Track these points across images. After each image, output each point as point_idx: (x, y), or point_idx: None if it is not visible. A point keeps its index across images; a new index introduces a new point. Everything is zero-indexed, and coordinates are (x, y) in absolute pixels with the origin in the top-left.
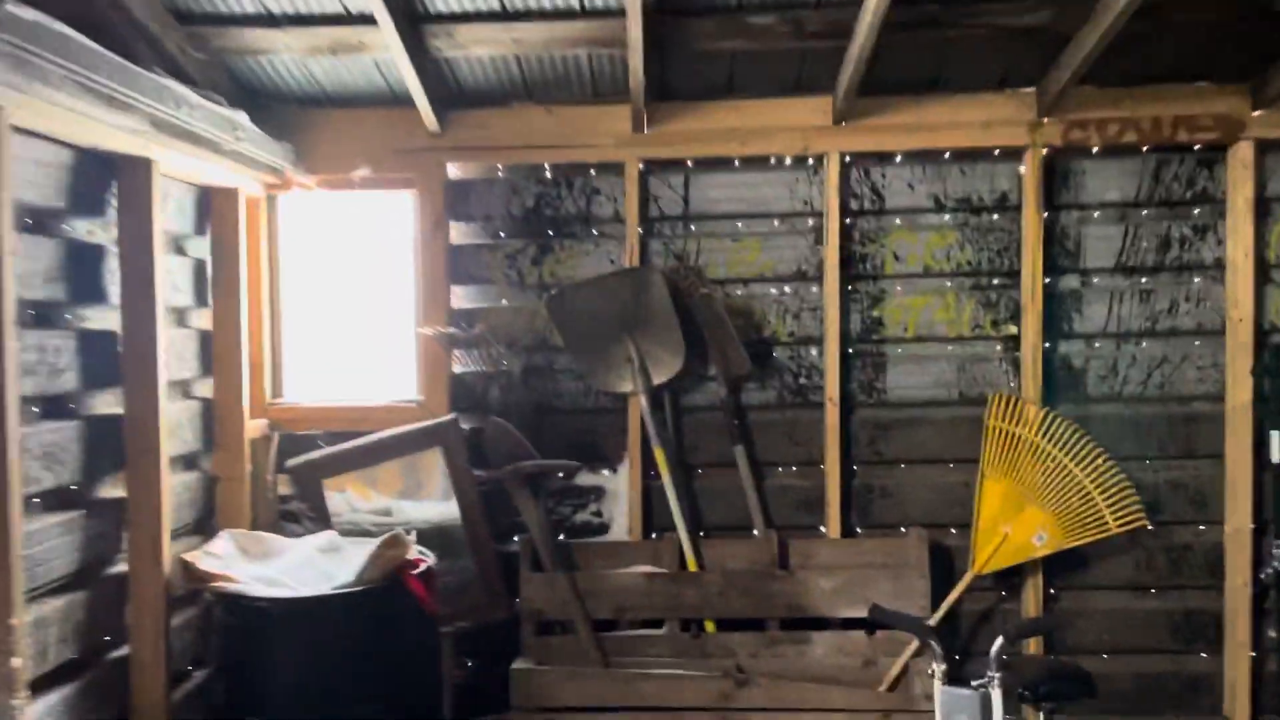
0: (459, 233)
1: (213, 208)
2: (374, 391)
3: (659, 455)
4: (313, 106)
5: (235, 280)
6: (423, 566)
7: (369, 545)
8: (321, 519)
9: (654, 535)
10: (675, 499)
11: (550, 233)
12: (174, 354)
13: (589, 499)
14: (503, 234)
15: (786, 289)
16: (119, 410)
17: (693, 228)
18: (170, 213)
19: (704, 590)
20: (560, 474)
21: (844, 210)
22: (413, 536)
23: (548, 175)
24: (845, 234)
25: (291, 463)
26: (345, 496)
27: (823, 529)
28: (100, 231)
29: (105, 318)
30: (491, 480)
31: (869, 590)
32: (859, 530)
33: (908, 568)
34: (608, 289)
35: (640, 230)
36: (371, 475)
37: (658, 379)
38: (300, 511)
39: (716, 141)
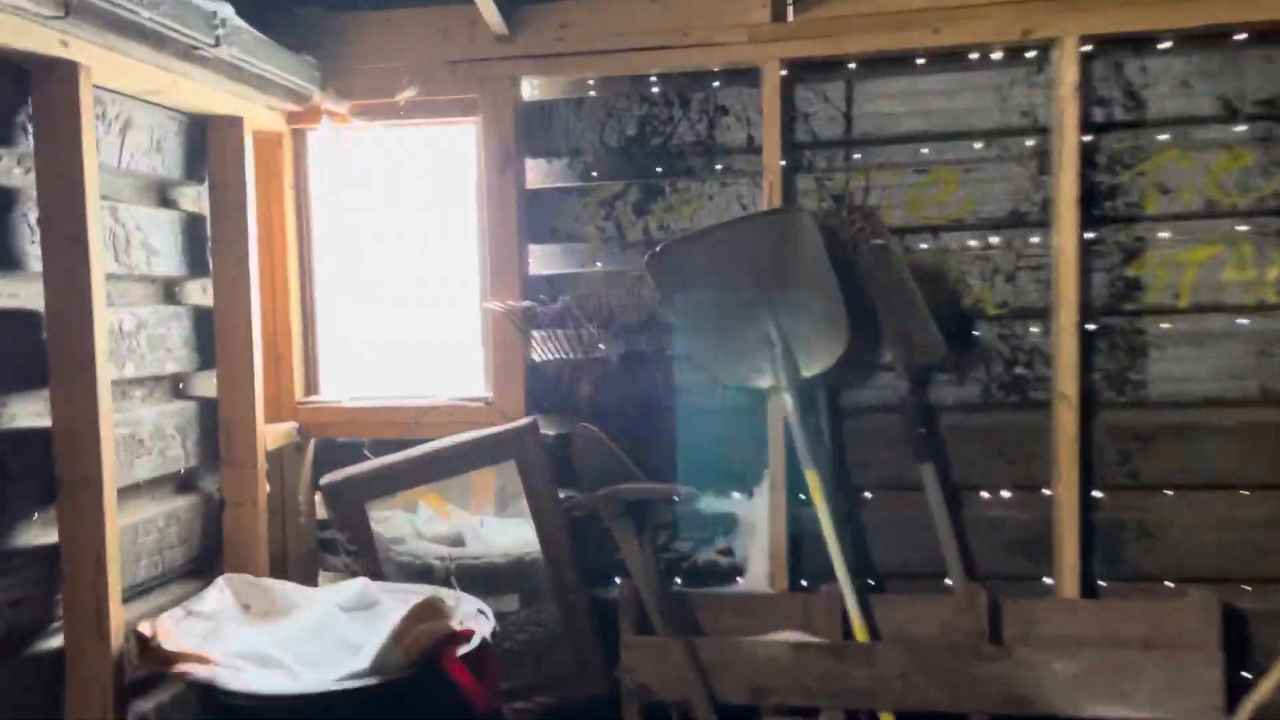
0: (537, 173)
1: (210, 144)
2: (433, 387)
3: (811, 475)
4: (344, 9)
5: (243, 241)
6: (474, 639)
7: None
8: (364, 552)
9: (804, 584)
10: (834, 535)
11: (659, 169)
12: (152, 340)
13: (715, 532)
14: (595, 173)
15: (995, 240)
16: (47, 423)
17: (858, 156)
18: (138, 148)
19: (879, 670)
20: (674, 499)
21: (1084, 123)
22: (455, 601)
23: (655, 90)
24: (1086, 158)
25: (325, 480)
26: (411, 518)
27: (1049, 581)
28: (17, 170)
29: (21, 291)
30: (580, 505)
31: (1126, 679)
32: (1104, 584)
33: (1188, 647)
34: (737, 243)
35: (783, 162)
36: (459, 486)
37: (809, 369)
38: (339, 542)
39: (893, 30)
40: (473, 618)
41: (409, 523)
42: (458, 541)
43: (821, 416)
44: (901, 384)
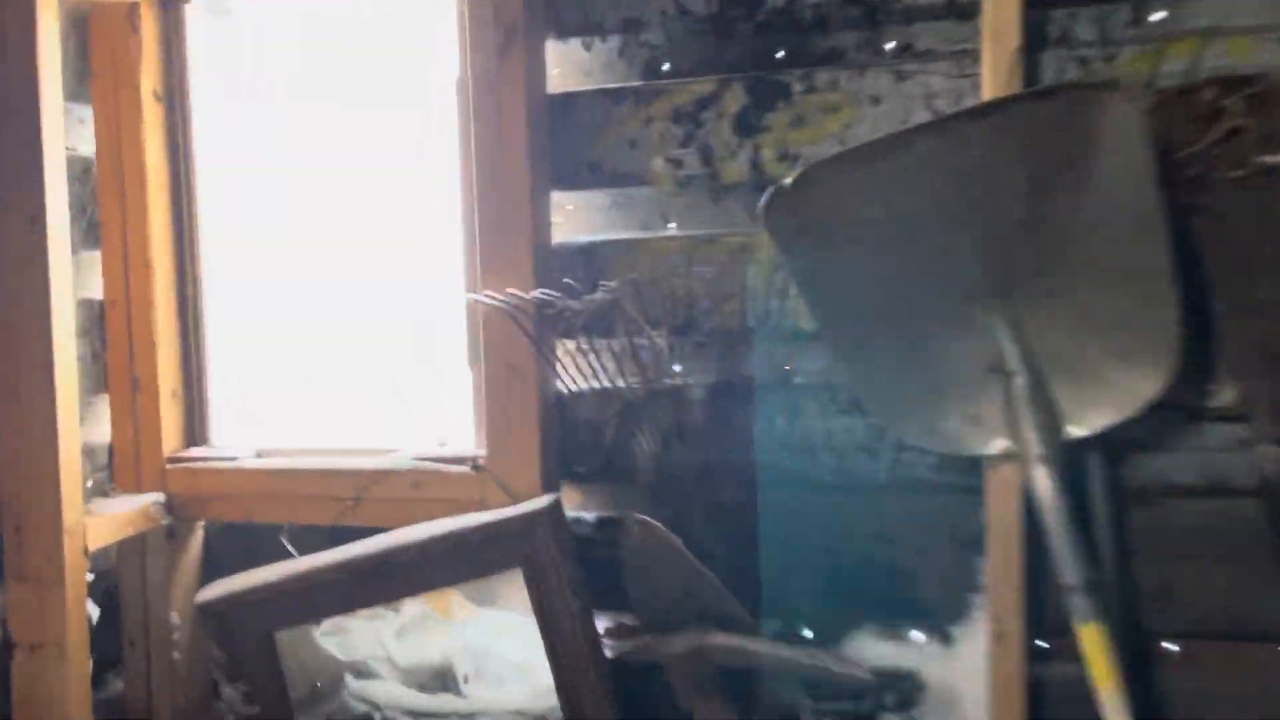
0: (566, 66)
1: None
2: (389, 437)
3: (1089, 630)
4: None
5: (37, 185)
6: None
7: None
8: (271, 712)
9: None
10: None
11: (779, 55)
12: None
13: (879, 700)
14: (666, 65)
15: None
16: None
17: (1160, 16)
18: None
19: None
20: (833, 680)
21: None
22: None
23: None
24: None
25: (203, 598)
26: (385, 626)
27: None
28: None
29: None
30: (637, 654)
31: None
32: None
33: None
34: (953, 165)
35: (1023, 30)
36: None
37: (1086, 421)
38: (228, 698)
39: None
40: None
41: (373, 632)
42: (439, 684)
43: (1097, 503)
44: (1266, 450)
